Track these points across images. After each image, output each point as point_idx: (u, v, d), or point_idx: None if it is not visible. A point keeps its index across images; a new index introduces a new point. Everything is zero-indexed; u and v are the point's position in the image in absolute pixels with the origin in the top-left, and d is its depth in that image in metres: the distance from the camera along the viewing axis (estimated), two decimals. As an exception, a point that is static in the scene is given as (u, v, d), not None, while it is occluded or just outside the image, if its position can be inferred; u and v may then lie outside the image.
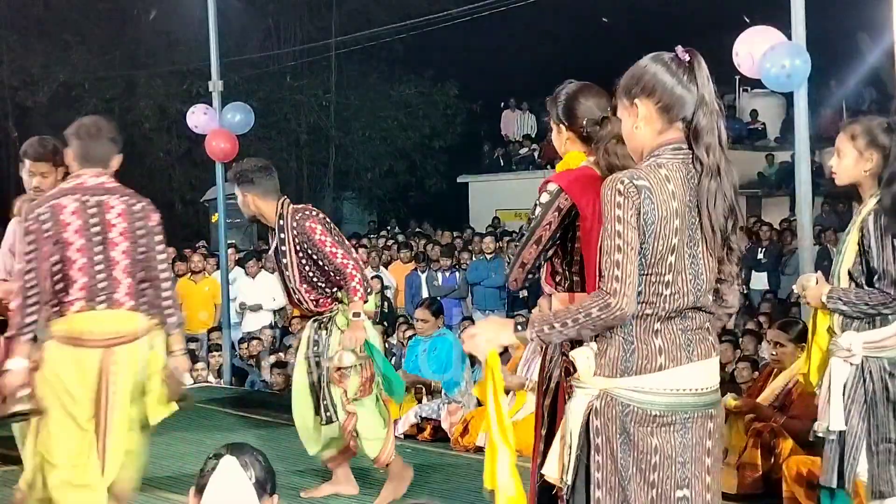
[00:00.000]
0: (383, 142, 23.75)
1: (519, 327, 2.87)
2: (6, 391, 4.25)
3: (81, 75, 21.24)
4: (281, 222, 5.51)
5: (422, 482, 6.15)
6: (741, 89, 21.73)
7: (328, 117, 23.44)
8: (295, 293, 5.58)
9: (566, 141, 3.57)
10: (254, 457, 2.66)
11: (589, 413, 2.83)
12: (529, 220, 3.43)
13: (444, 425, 7.41)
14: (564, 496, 2.91)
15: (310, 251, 5.46)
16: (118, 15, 21.78)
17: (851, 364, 3.92)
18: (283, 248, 5.51)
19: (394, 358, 9.96)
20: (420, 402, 7.81)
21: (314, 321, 5.63)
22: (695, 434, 2.83)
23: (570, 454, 2.86)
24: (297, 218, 5.48)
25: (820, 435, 4.02)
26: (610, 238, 2.74)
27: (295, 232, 5.46)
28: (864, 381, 3.90)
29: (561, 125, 3.56)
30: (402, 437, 7.58)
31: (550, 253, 3.44)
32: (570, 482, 2.87)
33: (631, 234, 2.72)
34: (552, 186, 3.39)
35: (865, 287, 3.89)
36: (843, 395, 3.94)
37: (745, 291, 12.47)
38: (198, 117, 10.94)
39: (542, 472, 3.04)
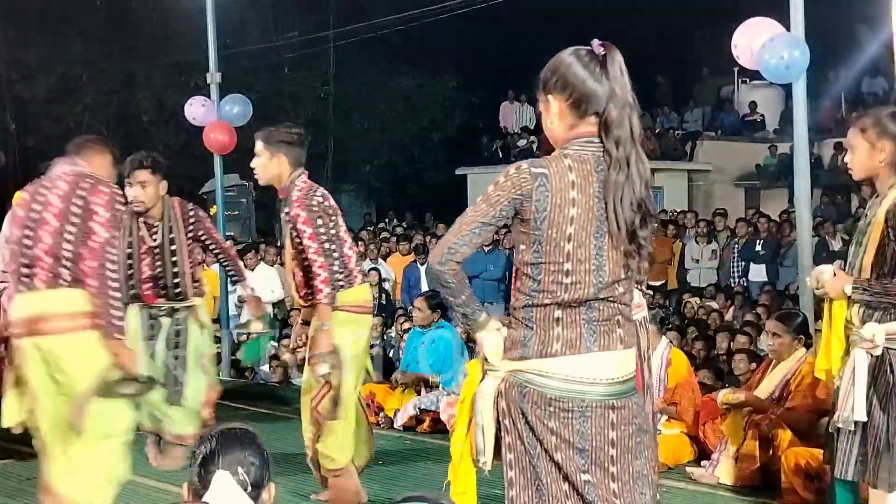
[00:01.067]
0: (381, 134, 23.72)
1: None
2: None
3: (80, 68, 21.20)
4: (285, 196, 5.18)
5: (421, 473, 6.16)
6: (740, 80, 21.71)
7: (326, 109, 23.40)
8: (292, 277, 5.20)
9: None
10: (246, 456, 2.64)
11: (497, 395, 2.89)
12: None
13: (443, 417, 7.41)
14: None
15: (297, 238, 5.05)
16: (116, 7, 21.73)
17: (872, 355, 3.91)
18: (285, 224, 5.17)
19: (392, 350, 9.96)
20: (419, 394, 7.82)
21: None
22: (595, 423, 2.84)
23: (482, 436, 2.91)
24: (294, 198, 5.07)
25: (840, 426, 3.99)
26: (473, 204, 2.84)
27: (289, 213, 5.09)
28: (886, 372, 3.89)
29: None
30: (401, 428, 7.61)
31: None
32: (487, 464, 2.93)
33: (484, 206, 2.81)
34: None
35: (889, 278, 3.87)
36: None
37: (745, 283, 12.47)
38: (196, 109, 10.93)
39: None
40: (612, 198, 2.80)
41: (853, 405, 3.90)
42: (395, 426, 7.68)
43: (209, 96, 10.95)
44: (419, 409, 7.65)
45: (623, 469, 2.88)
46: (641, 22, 22.19)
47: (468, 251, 2.83)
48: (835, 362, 4.08)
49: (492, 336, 2.91)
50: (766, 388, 5.97)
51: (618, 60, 2.83)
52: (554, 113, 2.89)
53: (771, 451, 5.69)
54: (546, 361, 2.82)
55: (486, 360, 2.93)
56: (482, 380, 2.95)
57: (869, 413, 3.91)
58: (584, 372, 2.83)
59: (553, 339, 2.82)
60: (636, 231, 2.84)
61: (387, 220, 20.44)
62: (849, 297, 3.96)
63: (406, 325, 9.46)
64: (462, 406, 3.04)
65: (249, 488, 2.60)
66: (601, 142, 2.83)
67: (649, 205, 2.87)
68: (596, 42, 2.85)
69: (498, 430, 2.90)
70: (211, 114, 10.78)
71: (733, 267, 12.84)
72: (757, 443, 5.71)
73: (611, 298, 2.85)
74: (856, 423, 3.93)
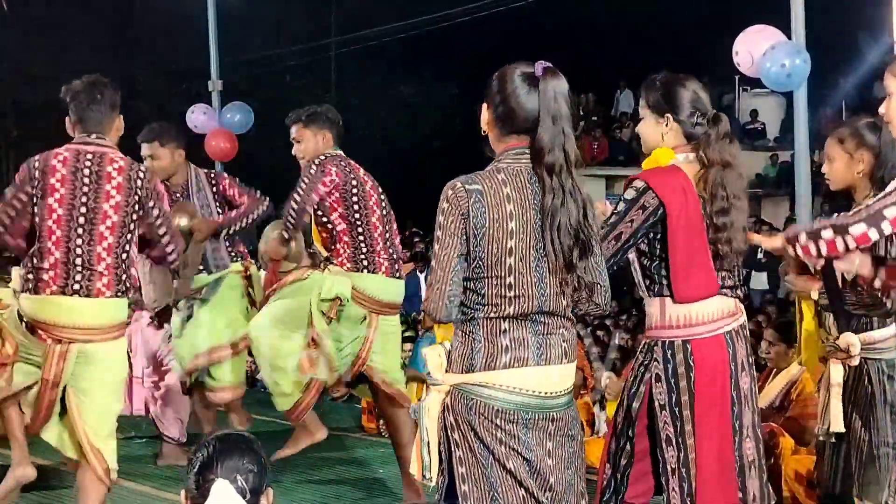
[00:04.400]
0: (383, 141, 23.74)
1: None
2: None
3: (81, 74, 21.24)
4: None
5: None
6: (741, 89, 21.71)
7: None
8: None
9: (667, 133, 3.47)
10: (244, 463, 2.63)
11: (443, 410, 2.90)
12: (610, 216, 3.38)
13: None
14: (437, 495, 2.95)
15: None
16: (118, 14, 21.78)
17: (850, 366, 3.89)
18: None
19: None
20: (420, 399, 7.80)
21: None
22: (535, 434, 2.87)
23: (429, 451, 2.91)
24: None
25: (821, 438, 3.99)
26: (434, 243, 2.85)
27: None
28: (864, 382, 3.86)
29: (667, 116, 3.47)
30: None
31: (631, 254, 3.40)
32: (433, 480, 2.92)
33: (449, 241, 2.80)
34: (639, 183, 3.35)
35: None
36: (843, 397, 3.91)
37: (746, 291, 12.47)
38: (197, 117, 10.99)
39: (410, 471, 3.07)
40: (547, 224, 2.81)
41: (829, 417, 3.89)
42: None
43: (211, 104, 10.97)
44: (417, 415, 7.62)
45: (558, 480, 2.90)
46: (642, 30, 22.23)
47: (461, 289, 2.84)
48: (806, 357, 4.09)
49: (434, 351, 2.92)
50: (766, 396, 5.96)
51: (553, 85, 2.82)
52: (484, 121, 2.95)
53: (772, 460, 5.68)
54: (493, 374, 2.83)
55: (428, 374, 2.94)
56: (426, 395, 2.97)
57: (850, 426, 3.85)
58: (530, 384, 2.84)
59: (500, 351, 2.83)
60: (573, 262, 2.84)
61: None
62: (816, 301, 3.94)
63: (407, 333, 9.43)
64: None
65: (248, 495, 2.60)
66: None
67: (589, 233, 2.87)
68: (540, 63, 2.86)
69: (447, 445, 2.89)
70: (212, 121, 10.82)
71: (735, 275, 12.81)
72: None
73: (555, 312, 2.87)
74: (837, 435, 3.89)
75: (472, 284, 2.84)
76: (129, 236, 4.23)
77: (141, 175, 4.28)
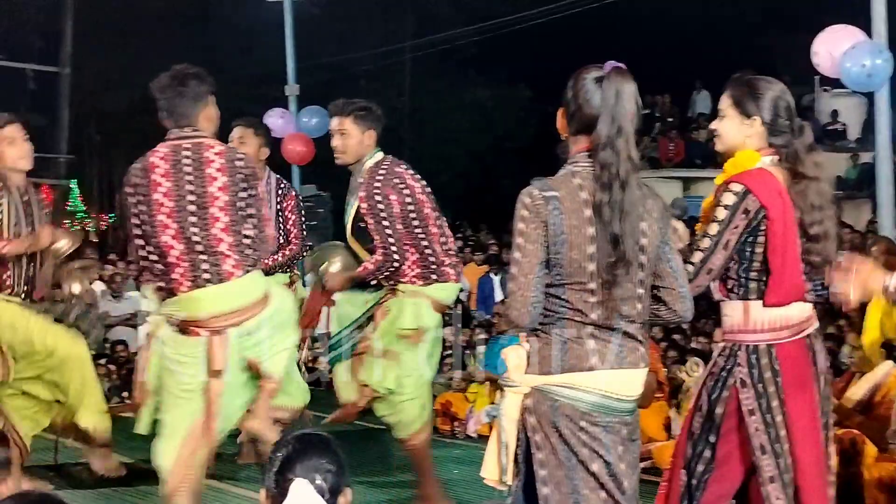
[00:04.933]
0: (457, 144, 23.80)
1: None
2: None
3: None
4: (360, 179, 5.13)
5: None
6: (821, 89, 21.32)
7: (402, 120, 23.57)
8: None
9: (751, 136, 3.40)
10: (323, 462, 2.67)
11: (523, 412, 2.88)
12: (707, 221, 3.33)
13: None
14: (510, 498, 2.94)
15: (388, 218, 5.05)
16: (194, 20, 22.17)
17: None
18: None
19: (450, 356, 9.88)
20: (493, 402, 7.82)
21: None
22: (612, 437, 2.87)
23: (506, 454, 2.90)
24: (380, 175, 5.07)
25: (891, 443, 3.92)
26: (512, 248, 2.84)
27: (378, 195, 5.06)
28: None
29: (754, 118, 3.40)
30: (475, 436, 7.60)
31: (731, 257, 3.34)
32: (510, 483, 2.91)
33: (530, 247, 2.80)
34: (737, 187, 3.28)
35: None
36: None
37: (828, 295, 12.22)
38: (274, 121, 11.13)
39: (481, 474, 3.03)
40: (608, 221, 2.79)
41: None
42: (467, 432, 7.68)
43: (287, 108, 11.11)
44: (491, 416, 7.63)
45: (629, 484, 2.90)
46: (719, 30, 21.96)
47: (542, 295, 2.83)
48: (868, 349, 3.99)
49: (514, 352, 2.91)
50: (850, 398, 5.86)
51: (616, 85, 2.81)
52: (561, 127, 2.97)
53: (853, 467, 5.58)
54: (578, 375, 2.83)
55: (503, 376, 2.94)
56: (501, 397, 2.96)
57: None
58: (612, 387, 2.85)
59: (585, 353, 2.83)
60: (642, 263, 2.85)
61: (461, 230, 20.48)
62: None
63: (482, 336, 9.46)
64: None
65: (327, 495, 2.63)
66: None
67: (657, 237, 2.87)
68: (610, 63, 2.86)
69: (525, 447, 2.88)
70: (289, 125, 10.96)
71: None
72: (837, 458, 5.60)
73: (633, 317, 2.87)
74: None
75: (553, 290, 2.83)
76: (244, 213, 4.13)
77: (240, 156, 4.24)
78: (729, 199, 3.28)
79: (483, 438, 7.48)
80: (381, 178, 5.08)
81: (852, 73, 6.83)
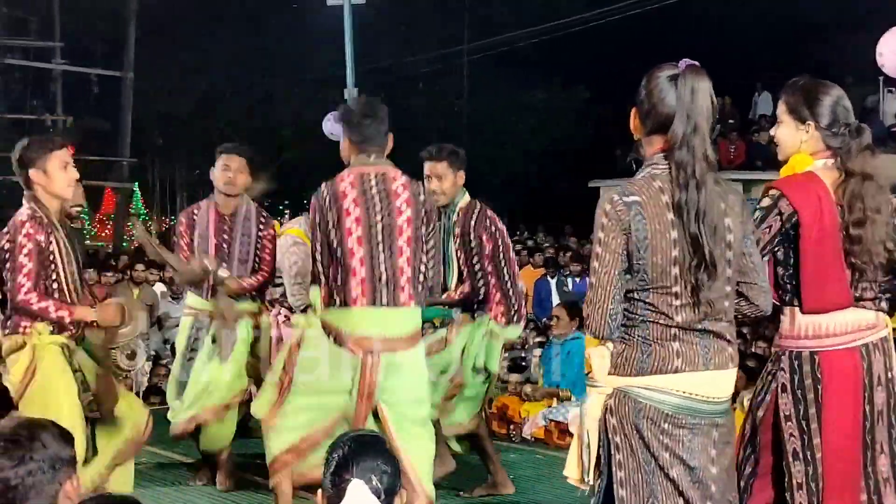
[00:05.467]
0: (514, 147, 23.79)
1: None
2: None
3: (222, 84, 21.97)
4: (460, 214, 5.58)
5: (554, 488, 6.14)
6: (885, 90, 20.96)
7: (460, 122, 23.62)
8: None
9: (806, 140, 3.39)
10: (378, 463, 2.68)
11: (605, 412, 2.85)
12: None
13: (572, 428, 7.36)
14: (594, 499, 2.91)
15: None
16: (256, 25, 22.43)
17: None
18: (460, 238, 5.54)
19: (523, 362, 9.94)
20: (549, 405, 7.79)
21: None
22: (700, 440, 2.83)
23: (588, 454, 2.88)
24: (488, 217, 5.55)
25: None
26: (592, 257, 2.80)
27: (477, 231, 5.52)
28: None
29: (809, 123, 3.38)
30: (530, 438, 7.59)
31: (767, 259, 3.31)
32: (591, 482, 2.88)
33: (609, 258, 2.76)
34: (774, 192, 3.30)
35: None
36: None
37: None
38: (333, 124, 11.18)
39: (564, 473, 3.02)
40: (684, 219, 2.75)
41: None
42: (523, 434, 7.68)
43: (346, 112, 11.17)
44: (548, 419, 7.63)
45: (720, 489, 2.86)
46: (782, 31, 21.69)
47: (622, 306, 2.81)
48: None
49: (598, 352, 2.88)
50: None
51: (691, 83, 2.77)
52: (634, 126, 2.93)
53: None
54: (664, 378, 2.80)
55: (588, 375, 2.91)
56: (587, 398, 2.93)
57: None
58: (701, 389, 2.82)
59: (672, 355, 2.80)
60: (723, 260, 2.79)
61: (518, 233, 20.47)
62: None
63: (538, 339, 9.44)
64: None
65: (383, 496, 2.64)
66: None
67: (737, 233, 2.82)
68: (684, 61, 2.83)
69: (607, 448, 2.86)
70: (347, 129, 10.99)
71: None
72: None
73: (718, 316, 2.83)
74: None
75: (637, 294, 2.81)
76: (422, 248, 4.38)
77: (422, 190, 4.46)
78: (765, 202, 3.30)
79: (538, 442, 7.51)
80: (474, 218, 5.52)
81: (917, 74, 6.70)
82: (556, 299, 12.02)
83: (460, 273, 5.53)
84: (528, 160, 23.96)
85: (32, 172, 4.38)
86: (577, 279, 12.46)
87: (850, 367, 3.32)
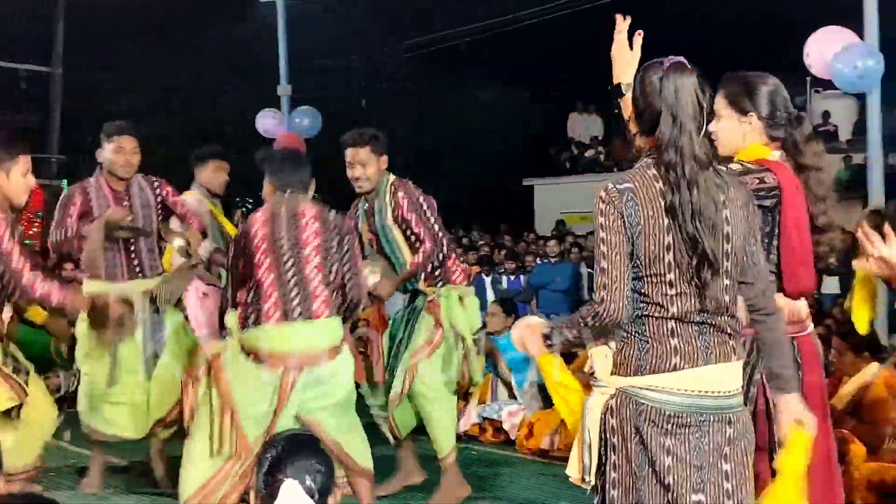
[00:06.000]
0: (451, 145, 23.81)
1: (548, 342, 2.88)
2: None
3: (159, 82, 21.73)
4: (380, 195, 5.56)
5: (487, 484, 6.16)
6: (812, 90, 21.36)
7: (398, 121, 23.57)
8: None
9: (749, 132, 3.40)
10: (312, 464, 2.66)
11: (605, 412, 2.81)
12: None
13: (506, 426, 7.43)
14: (596, 498, 2.88)
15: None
16: (189, 21, 22.16)
17: None
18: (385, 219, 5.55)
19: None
20: (483, 402, 7.81)
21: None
22: (712, 438, 2.76)
23: (589, 454, 2.84)
24: (403, 192, 5.48)
25: None
26: (596, 245, 2.76)
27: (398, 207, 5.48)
28: None
29: (751, 114, 3.40)
30: (463, 435, 7.60)
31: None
32: (593, 482, 2.85)
33: (615, 239, 2.73)
34: (757, 167, 3.26)
35: None
36: None
37: (817, 295, 12.25)
38: (266, 122, 11.12)
39: (567, 472, 2.98)
40: (678, 220, 2.72)
41: None
42: (458, 432, 7.68)
43: (280, 109, 11.11)
44: (482, 417, 7.66)
45: (739, 486, 2.78)
46: (711, 30, 21.96)
47: (625, 289, 2.74)
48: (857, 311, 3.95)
49: (601, 351, 2.84)
50: (839, 399, 5.88)
51: (675, 80, 2.74)
52: (629, 119, 2.91)
53: (843, 467, 5.59)
54: (664, 376, 2.73)
55: (593, 375, 2.86)
56: (590, 396, 2.88)
57: None
58: (705, 385, 2.74)
59: (671, 352, 2.74)
60: (720, 258, 2.73)
61: (453, 231, 20.50)
62: None
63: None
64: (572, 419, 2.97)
65: (316, 496, 2.63)
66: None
67: (736, 230, 2.77)
68: (670, 59, 2.80)
69: (603, 448, 2.82)
70: (281, 126, 10.95)
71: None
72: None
73: (717, 309, 2.77)
74: None
75: (632, 284, 2.76)
76: (335, 259, 4.60)
77: (331, 216, 4.71)
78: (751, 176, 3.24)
79: (473, 439, 7.53)
80: (411, 186, 5.52)
81: (844, 75, 6.84)
82: (490, 297, 12.06)
83: (411, 248, 5.48)
84: (464, 159, 23.97)
85: None
86: (512, 277, 12.53)
87: (816, 350, 3.36)
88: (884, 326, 6.40)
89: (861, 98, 8.85)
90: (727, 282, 2.78)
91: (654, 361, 2.74)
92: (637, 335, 2.77)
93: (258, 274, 4.47)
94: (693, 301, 2.74)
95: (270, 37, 12.61)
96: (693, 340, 2.74)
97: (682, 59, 2.80)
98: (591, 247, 13.89)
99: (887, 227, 2.85)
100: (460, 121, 23.63)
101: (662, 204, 2.72)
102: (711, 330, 2.76)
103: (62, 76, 21.61)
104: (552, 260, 12.65)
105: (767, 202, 3.23)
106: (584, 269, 12.82)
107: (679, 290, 2.73)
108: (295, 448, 2.70)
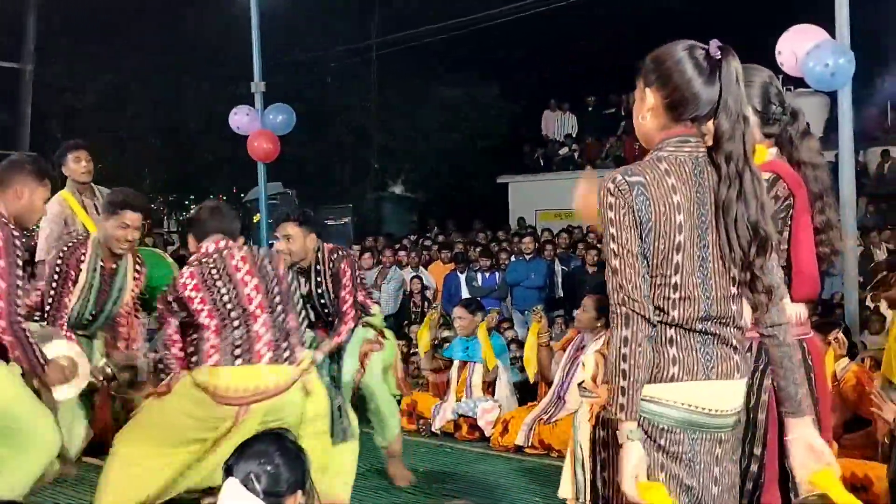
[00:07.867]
0: (425, 142, 23.79)
1: (628, 437, 2.49)
2: None
3: (129, 78, 21.53)
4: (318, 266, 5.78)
5: (462, 481, 6.17)
6: (784, 88, 21.49)
7: (370, 118, 23.52)
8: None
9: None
10: (262, 466, 2.64)
11: (596, 423, 2.68)
12: None
13: (480, 423, 7.46)
14: None
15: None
16: (166, 18, 22.01)
17: None
18: (320, 289, 5.75)
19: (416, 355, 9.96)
20: (459, 400, 7.82)
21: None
22: (703, 457, 2.56)
23: (583, 471, 2.76)
24: (345, 262, 5.73)
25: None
26: (605, 243, 2.53)
27: (338, 274, 5.71)
28: None
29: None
30: (438, 432, 7.62)
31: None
32: (587, 502, 2.75)
33: (626, 235, 2.50)
34: (767, 174, 3.02)
35: None
36: None
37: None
38: (240, 119, 11.06)
39: (559, 494, 2.90)
40: (723, 215, 2.53)
41: None
42: (432, 429, 7.70)
43: (254, 106, 11.05)
44: (457, 414, 7.67)
45: None
46: (681, 27, 22.05)
47: (643, 286, 2.51)
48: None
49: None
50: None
51: (734, 67, 2.53)
52: (648, 108, 2.62)
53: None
54: (660, 387, 2.51)
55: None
56: (579, 407, 2.80)
57: None
58: (702, 402, 2.53)
59: (668, 362, 2.51)
60: (751, 259, 2.55)
61: (428, 228, 20.48)
62: None
63: (446, 334, 9.46)
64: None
65: (262, 496, 2.62)
66: (699, 140, 2.58)
67: (766, 228, 2.56)
68: (714, 43, 2.56)
69: (592, 462, 2.68)
70: (255, 123, 10.89)
71: (777, 276, 12.71)
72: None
73: (724, 318, 2.57)
74: None
75: None
76: (277, 302, 4.61)
77: (262, 253, 4.73)
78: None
79: (448, 436, 7.54)
80: (335, 258, 5.75)
81: (815, 73, 6.87)
82: (465, 294, 12.07)
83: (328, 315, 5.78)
84: (438, 156, 23.96)
85: None
86: (487, 274, 12.53)
87: (820, 350, 3.26)
88: (855, 322, 6.44)
89: (832, 96, 8.90)
90: (733, 290, 2.58)
91: (650, 370, 2.51)
92: None
93: (201, 327, 4.46)
94: (697, 306, 2.53)
95: (243, 32, 12.51)
96: (694, 351, 2.53)
97: (721, 42, 2.58)
98: (562, 244, 13.93)
99: None
100: (433, 118, 23.62)
101: (676, 200, 2.52)
102: (715, 341, 2.55)
103: (32, 72, 21.41)
104: (527, 257, 12.67)
105: (782, 214, 3.11)
106: (557, 266, 12.86)
107: (683, 294, 2.52)
108: (249, 450, 2.69)
